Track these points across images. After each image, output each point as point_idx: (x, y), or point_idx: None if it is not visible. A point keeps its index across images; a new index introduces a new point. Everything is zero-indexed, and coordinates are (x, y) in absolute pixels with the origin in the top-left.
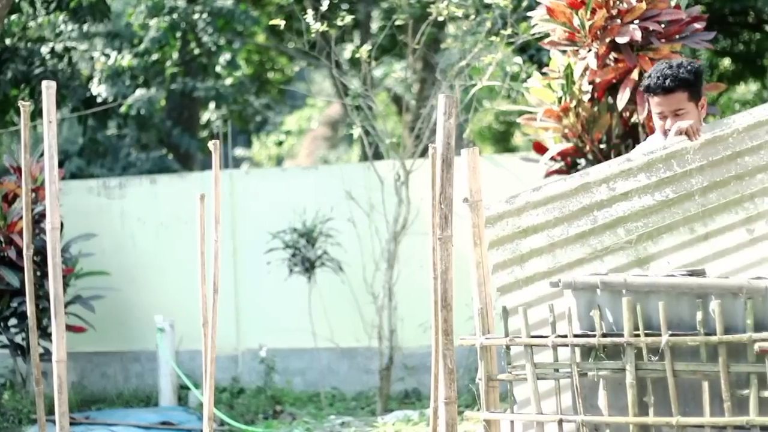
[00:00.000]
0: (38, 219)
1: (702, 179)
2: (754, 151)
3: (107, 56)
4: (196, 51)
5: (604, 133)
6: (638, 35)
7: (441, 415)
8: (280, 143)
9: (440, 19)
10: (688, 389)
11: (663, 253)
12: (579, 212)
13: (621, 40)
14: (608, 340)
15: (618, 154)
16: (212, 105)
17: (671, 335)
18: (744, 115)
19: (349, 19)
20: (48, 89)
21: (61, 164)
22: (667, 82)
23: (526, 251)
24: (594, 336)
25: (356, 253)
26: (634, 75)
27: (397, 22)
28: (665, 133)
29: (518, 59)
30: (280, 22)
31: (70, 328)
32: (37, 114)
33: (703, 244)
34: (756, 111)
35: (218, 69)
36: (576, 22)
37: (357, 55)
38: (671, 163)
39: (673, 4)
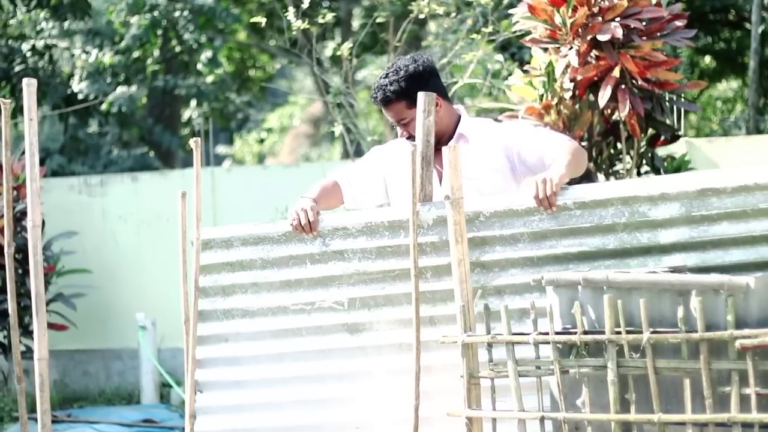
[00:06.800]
0: (20, 217)
1: (435, 258)
2: (507, 242)
3: (88, 54)
4: (177, 48)
5: (585, 131)
6: (619, 33)
7: None
8: (261, 141)
9: (421, 16)
10: (670, 386)
11: (377, 325)
12: (288, 260)
13: (602, 37)
14: (590, 337)
15: (599, 151)
16: (193, 102)
17: (652, 332)
18: (491, 202)
19: (330, 16)
20: (29, 87)
21: (42, 162)
22: (379, 96)
23: (228, 284)
24: (575, 333)
25: None
26: (616, 72)
27: (378, 20)
28: (405, 136)
29: (499, 57)
30: (262, 20)
31: (51, 326)
32: (18, 112)
33: (429, 328)
34: (504, 198)
35: (199, 66)
36: (557, 19)
37: (338, 53)
38: (398, 232)
39: (654, 1)
